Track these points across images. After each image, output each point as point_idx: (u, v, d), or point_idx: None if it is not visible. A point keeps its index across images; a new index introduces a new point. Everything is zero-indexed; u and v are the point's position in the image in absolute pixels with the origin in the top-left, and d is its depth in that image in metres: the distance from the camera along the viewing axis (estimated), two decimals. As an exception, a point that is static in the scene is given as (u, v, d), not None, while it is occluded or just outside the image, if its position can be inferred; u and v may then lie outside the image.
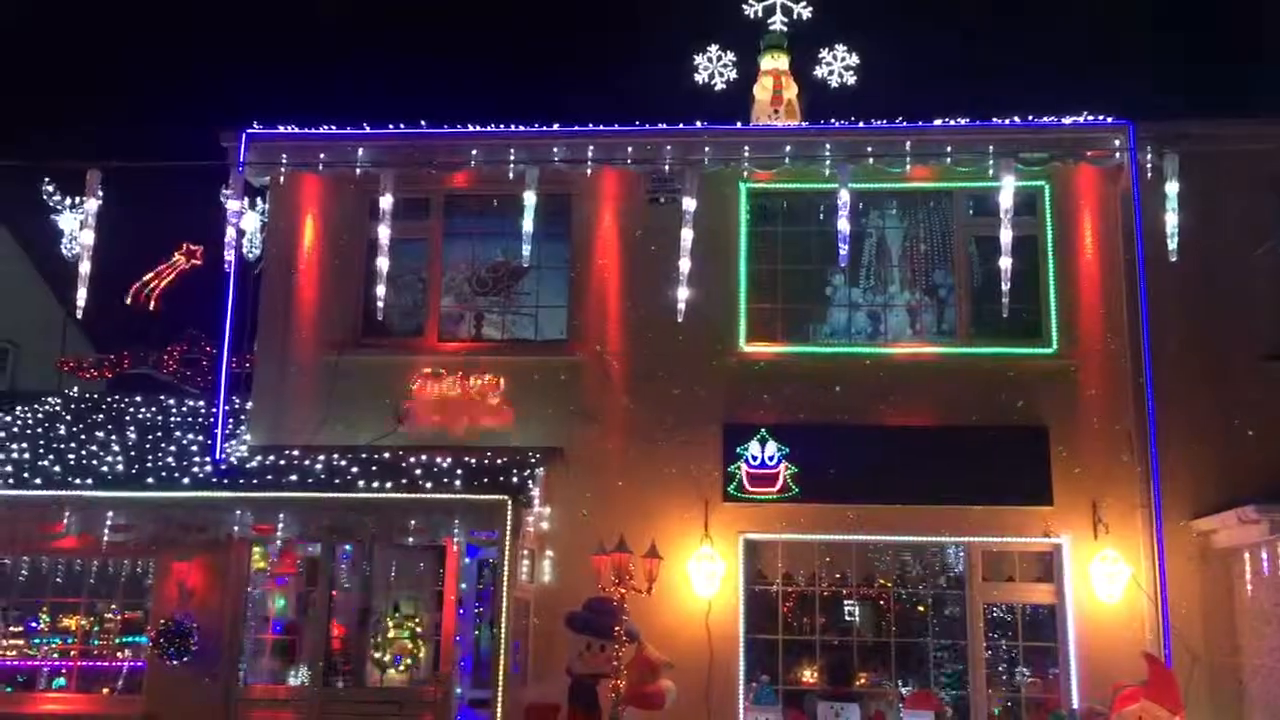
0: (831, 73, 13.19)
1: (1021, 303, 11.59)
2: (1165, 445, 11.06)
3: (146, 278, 13.65)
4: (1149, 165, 11.36)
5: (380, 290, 11.73)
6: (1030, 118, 11.68)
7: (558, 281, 12.22)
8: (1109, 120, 11.60)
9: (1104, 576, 10.81)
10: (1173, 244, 11.11)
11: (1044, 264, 11.69)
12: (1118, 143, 11.52)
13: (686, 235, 11.46)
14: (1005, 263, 11.20)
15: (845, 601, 11.59)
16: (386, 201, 11.80)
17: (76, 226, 11.70)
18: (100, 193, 11.53)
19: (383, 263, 11.76)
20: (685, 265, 11.47)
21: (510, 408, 11.65)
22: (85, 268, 11.57)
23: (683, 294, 11.48)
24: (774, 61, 13.16)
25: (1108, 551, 10.86)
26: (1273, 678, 10.15)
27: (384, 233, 11.78)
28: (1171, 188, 11.16)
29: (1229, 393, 11.14)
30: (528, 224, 11.55)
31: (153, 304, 13.24)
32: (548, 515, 11.34)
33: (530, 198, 11.59)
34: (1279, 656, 10.00)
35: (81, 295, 11.57)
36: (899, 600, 11.49)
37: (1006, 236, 11.22)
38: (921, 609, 11.47)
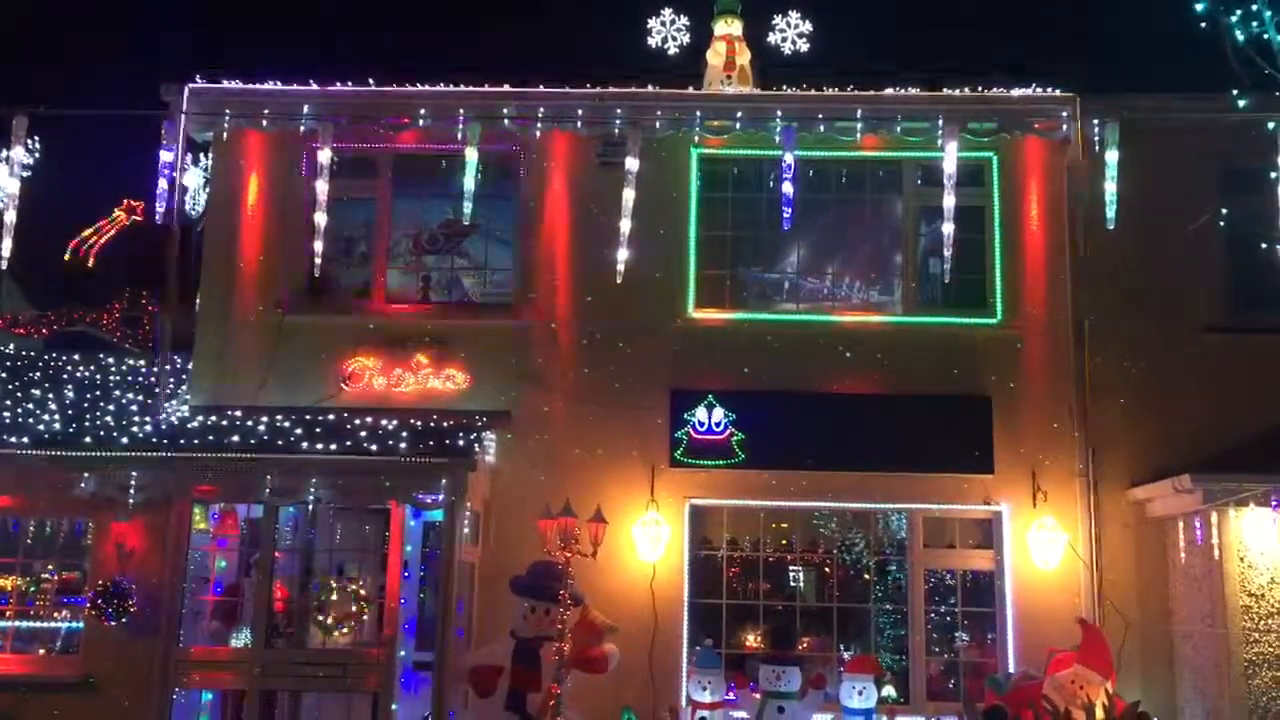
0: (785, 39, 13.15)
1: (968, 273, 11.71)
2: (1104, 415, 11.27)
3: (86, 234, 13.38)
4: (1095, 138, 11.50)
5: (318, 246, 11.60)
6: (980, 88, 11.75)
7: (507, 244, 12.15)
8: (1056, 92, 11.71)
9: (1042, 543, 10.99)
10: (1111, 212, 11.28)
11: (990, 235, 11.79)
12: (1065, 114, 11.62)
13: (628, 196, 11.46)
14: (947, 229, 11.32)
15: (789, 567, 11.71)
16: (324, 156, 11.65)
17: (7, 176, 11.46)
18: (29, 141, 11.29)
19: (320, 218, 11.61)
20: (626, 226, 11.47)
21: (457, 370, 11.60)
22: (10, 217, 11.37)
23: (622, 255, 11.49)
24: (727, 27, 13.08)
25: (1046, 519, 11.04)
26: (1203, 643, 10.40)
27: (321, 188, 11.63)
28: (1111, 156, 11.32)
29: (1167, 364, 11.33)
30: (469, 181, 11.50)
31: (91, 260, 12.99)
32: (494, 478, 11.32)
33: (471, 154, 11.53)
34: (1210, 622, 10.25)
35: (6, 245, 11.37)
36: (842, 566, 11.62)
37: (949, 203, 11.34)
38: (865, 575, 11.61)
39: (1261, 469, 9.91)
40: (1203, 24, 9.65)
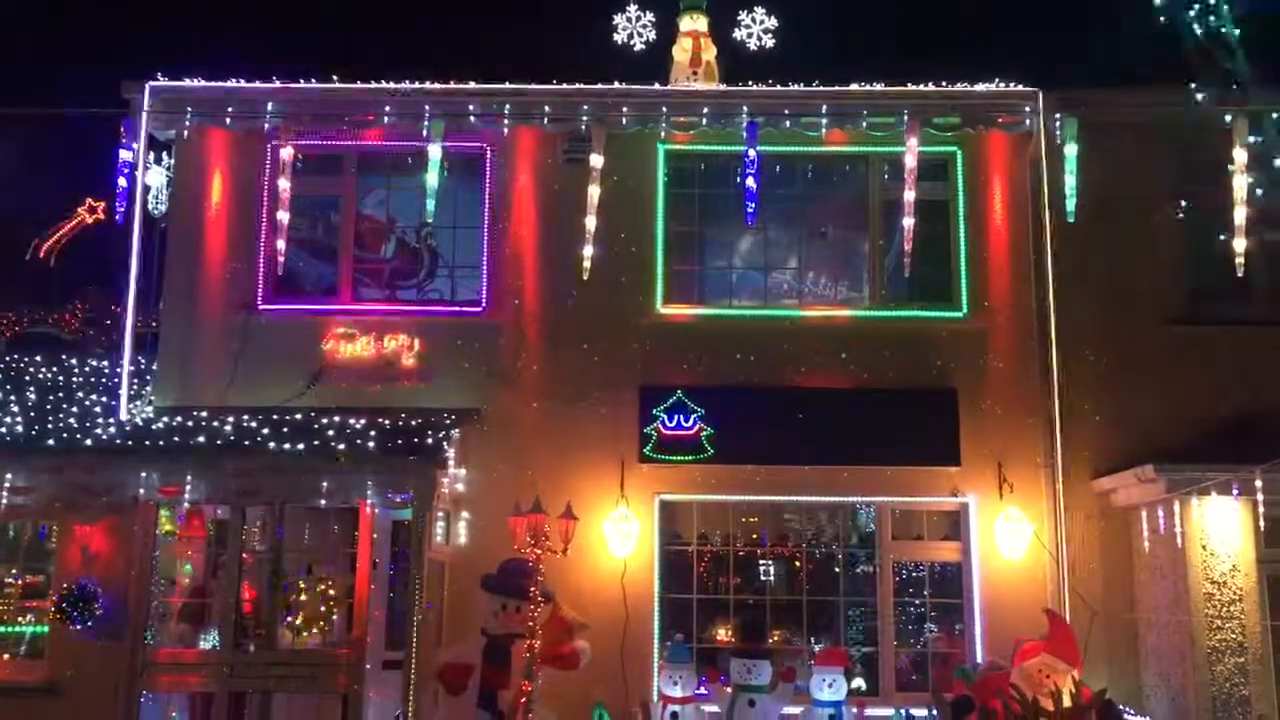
0: (750, 35, 13.18)
1: (934, 267, 11.80)
2: (1068, 407, 11.37)
3: (47, 233, 13.23)
4: (1057, 132, 11.60)
5: (281, 245, 11.54)
6: (944, 83, 11.82)
7: (474, 242, 12.10)
8: (1019, 87, 11.79)
9: (1008, 534, 11.09)
10: (1070, 205, 11.39)
11: (955, 229, 11.88)
12: (1028, 109, 11.72)
13: (594, 193, 11.47)
14: (908, 222, 11.41)
15: (759, 561, 11.75)
16: (286, 153, 11.59)
17: None
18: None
19: (283, 216, 11.55)
20: (591, 223, 11.48)
21: (426, 368, 11.56)
22: None
23: (589, 251, 11.49)
24: (693, 23, 13.10)
25: (1012, 510, 11.14)
26: (1166, 631, 10.54)
27: (284, 185, 11.57)
28: (1070, 150, 11.42)
29: (1130, 355, 11.45)
30: (432, 179, 11.47)
31: (51, 260, 12.85)
32: (463, 477, 11.29)
33: (435, 151, 11.50)
34: (1174, 610, 10.38)
35: None
36: (812, 559, 11.68)
37: (910, 196, 11.42)
38: (834, 568, 11.66)
39: (1223, 458, 10.03)
40: (1161, 19, 9.77)
